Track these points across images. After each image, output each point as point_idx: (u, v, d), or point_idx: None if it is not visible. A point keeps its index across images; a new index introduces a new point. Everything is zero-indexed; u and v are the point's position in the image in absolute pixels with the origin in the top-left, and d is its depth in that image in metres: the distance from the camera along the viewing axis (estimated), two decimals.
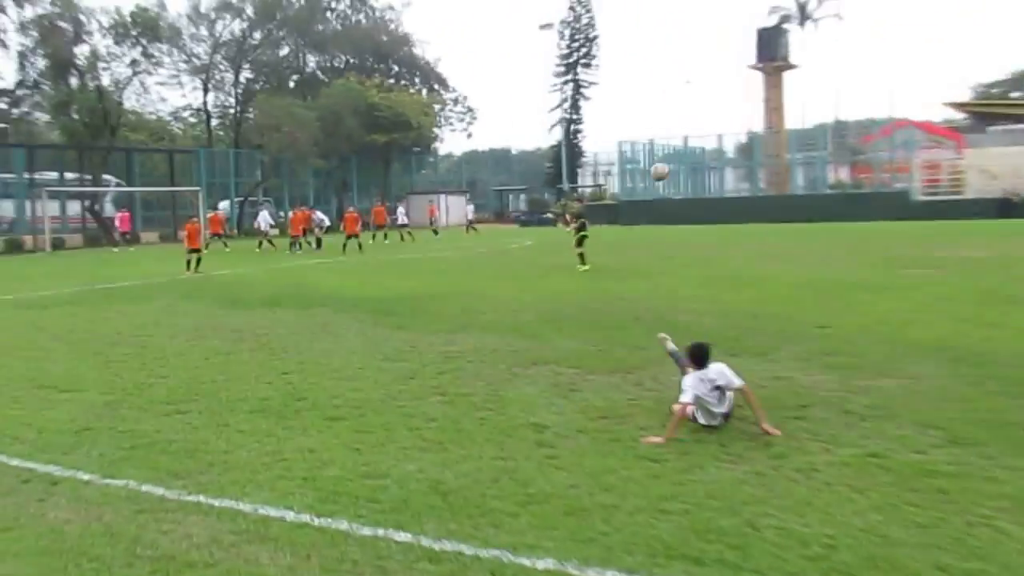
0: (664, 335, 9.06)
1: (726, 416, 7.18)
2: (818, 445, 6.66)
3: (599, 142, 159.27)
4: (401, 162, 66.57)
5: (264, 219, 36.35)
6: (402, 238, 39.57)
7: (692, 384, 7.15)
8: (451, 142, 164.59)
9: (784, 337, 10.96)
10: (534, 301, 15.37)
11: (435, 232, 42.89)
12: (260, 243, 35.21)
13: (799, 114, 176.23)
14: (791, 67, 59.51)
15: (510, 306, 14.76)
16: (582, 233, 22.41)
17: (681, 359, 8.06)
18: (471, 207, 49.43)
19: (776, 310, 13.35)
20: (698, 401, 7.09)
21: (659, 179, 44.51)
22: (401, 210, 41.77)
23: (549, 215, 58.62)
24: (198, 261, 23.99)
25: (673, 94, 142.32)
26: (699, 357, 7.26)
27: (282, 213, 51.69)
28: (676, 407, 7.11)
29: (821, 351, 10.06)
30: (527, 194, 75.05)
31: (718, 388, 7.09)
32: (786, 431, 6.96)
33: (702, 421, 7.16)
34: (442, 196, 59.65)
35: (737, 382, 7.09)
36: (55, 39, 40.91)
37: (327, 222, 37.92)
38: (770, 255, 24.45)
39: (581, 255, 22.00)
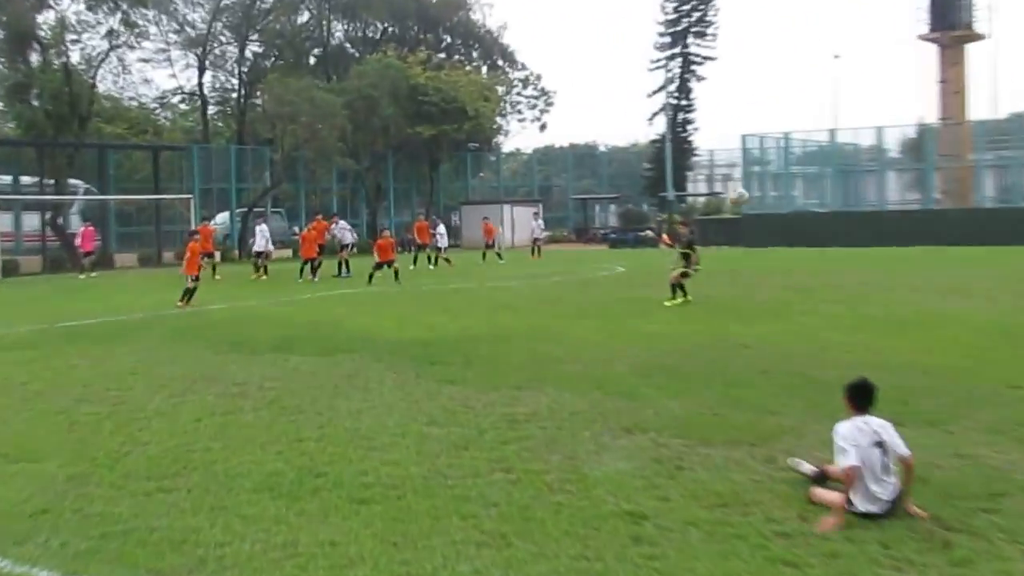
0: (796, 460, 8.57)
1: (892, 503, 7.09)
2: (1017, 549, 6.56)
3: (716, 136, 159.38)
4: (453, 162, 67.36)
5: (262, 235, 36.58)
6: (433, 262, 40.17)
7: (850, 435, 7.05)
8: (519, 136, 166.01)
9: (967, 401, 10.89)
10: (628, 347, 15.41)
11: (499, 256, 43.19)
12: (257, 268, 35.81)
13: (988, 100, 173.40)
14: (976, 37, 58.88)
15: (596, 353, 14.80)
16: (686, 269, 22.46)
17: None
18: (539, 223, 49.44)
19: (956, 364, 13.22)
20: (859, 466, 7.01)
21: (738, 205, 48.72)
22: (441, 229, 42.14)
23: (648, 232, 58.62)
24: (190, 293, 24.54)
25: (816, 73, 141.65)
26: (860, 396, 7.23)
27: (296, 228, 52.66)
28: (835, 469, 7.03)
29: (1018, 420, 9.95)
30: (619, 205, 75.24)
31: (880, 445, 7.03)
32: (972, 528, 6.85)
33: (859, 507, 7.08)
34: (506, 207, 60.13)
35: (904, 449, 7.05)
36: (12, 5, 41.53)
37: (350, 237, 37.91)
38: (947, 289, 24.25)
39: (679, 288, 22.15)
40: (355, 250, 36.86)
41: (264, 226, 37.82)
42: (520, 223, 58.60)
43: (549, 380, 12.63)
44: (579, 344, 15.87)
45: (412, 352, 15.34)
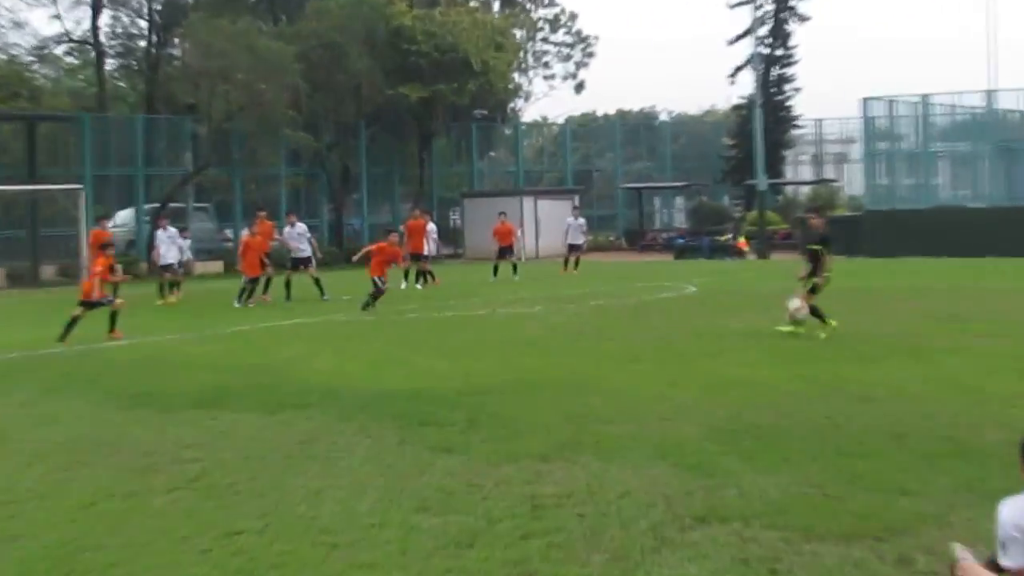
0: (959, 548, 8.38)
1: None
2: None
3: (825, 101, 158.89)
4: (452, 137, 67.53)
5: (172, 241, 36.83)
6: (422, 278, 40.50)
7: (1019, 521, 7.00)
8: (545, 101, 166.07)
9: None
10: (701, 400, 15.53)
11: (514, 269, 43.47)
12: (162, 288, 36.24)
13: None
14: None
15: (654, 409, 14.88)
16: (816, 280, 22.61)
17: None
18: (581, 222, 48.86)
19: None
20: None
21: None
22: (430, 227, 42.09)
23: (730, 238, 58.51)
24: (70, 323, 24.57)
25: (965, 11, 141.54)
26: None
27: (228, 232, 52.80)
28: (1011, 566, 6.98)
29: None
30: (688, 197, 75.26)
31: None
32: None
33: None
34: (527, 200, 60.10)
35: None
36: None
37: (306, 249, 37.46)
38: None
39: (812, 310, 22.32)
40: (313, 265, 36.93)
41: (173, 230, 37.87)
42: (548, 223, 58.35)
43: (588, 447, 12.66)
44: (631, 396, 15.91)
45: (394, 408, 15.39)
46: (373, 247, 32.24)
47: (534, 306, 30.88)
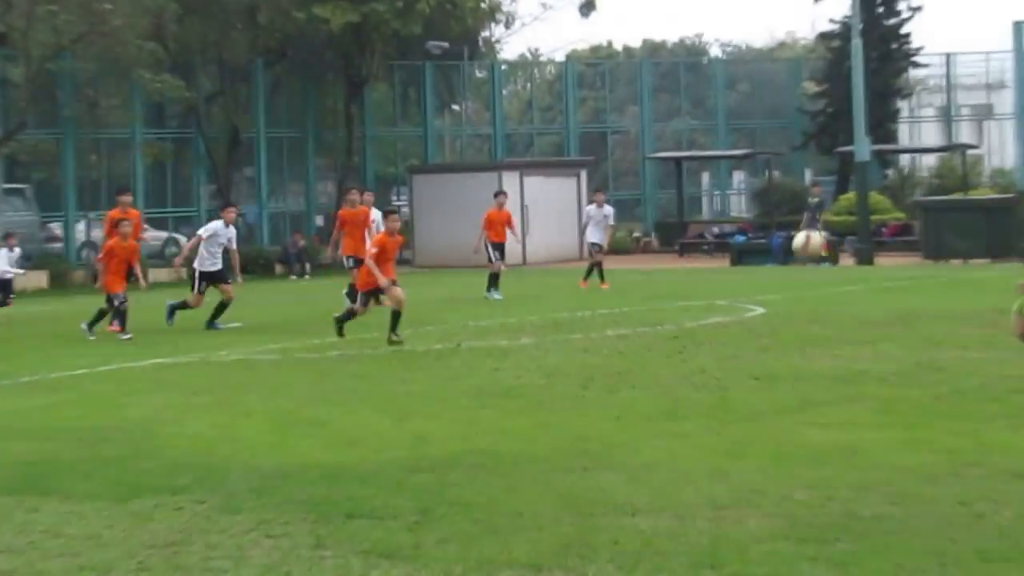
0: None
1: None
2: None
3: (958, 28, 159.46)
4: (394, 83, 67.55)
5: None
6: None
7: None
8: (537, 30, 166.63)
9: None
10: (770, 479, 15.33)
11: (492, 283, 43.70)
12: None
13: None
14: None
15: (703, 492, 14.68)
16: None
17: None
18: (606, 211, 48.68)
19: None
20: None
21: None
22: (377, 219, 42.22)
23: (817, 233, 58.32)
24: None
25: None
26: None
27: (57, 227, 52.70)
28: None
29: None
30: (752, 172, 75.29)
31: None
32: None
33: None
34: (508, 176, 59.97)
35: None
36: None
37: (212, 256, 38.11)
38: None
39: None
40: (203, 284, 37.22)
41: None
42: (542, 211, 58.18)
43: (602, 551, 12.47)
44: (666, 473, 15.77)
45: (308, 492, 15.28)
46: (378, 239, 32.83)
47: (519, 337, 31.15)
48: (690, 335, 30.96)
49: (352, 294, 40.23)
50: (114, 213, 37.60)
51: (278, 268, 57.19)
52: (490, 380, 24.48)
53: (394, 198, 63.91)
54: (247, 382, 25.04)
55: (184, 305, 37.76)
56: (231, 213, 40.34)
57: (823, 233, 56.78)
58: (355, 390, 23.72)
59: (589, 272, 47.26)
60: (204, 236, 38.49)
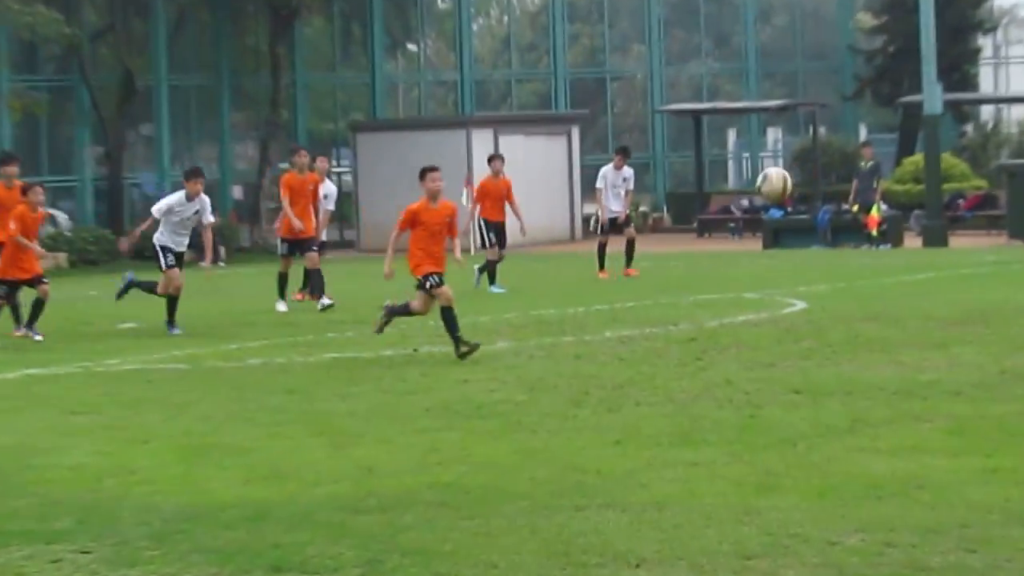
0: None
1: None
2: None
3: None
4: (333, 15, 69.30)
5: None
6: (306, 286, 40.76)
7: None
8: None
9: None
10: (815, 519, 13.61)
11: (484, 272, 42.84)
12: None
13: None
14: None
15: (728, 535, 13.03)
16: None
17: None
18: (625, 174, 47.08)
19: None
20: None
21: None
22: (331, 193, 42.20)
23: (880, 208, 57.71)
24: None
25: None
26: None
27: None
28: None
29: None
30: (790, 128, 74.16)
31: None
32: None
33: None
34: (479, 134, 60.45)
35: None
36: None
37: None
38: None
39: None
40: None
41: None
42: (521, 179, 56.65)
43: None
44: (683, 512, 13.95)
45: (224, 538, 13.57)
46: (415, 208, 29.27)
47: (494, 340, 29.68)
48: (711, 337, 29.72)
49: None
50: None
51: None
52: (456, 395, 23.06)
53: (333, 163, 61.12)
54: (144, 398, 23.52)
55: (152, 289, 35.26)
56: (197, 184, 36.66)
57: (881, 207, 55.67)
58: (283, 408, 22.30)
59: (602, 259, 45.74)
60: (156, 215, 36.19)
